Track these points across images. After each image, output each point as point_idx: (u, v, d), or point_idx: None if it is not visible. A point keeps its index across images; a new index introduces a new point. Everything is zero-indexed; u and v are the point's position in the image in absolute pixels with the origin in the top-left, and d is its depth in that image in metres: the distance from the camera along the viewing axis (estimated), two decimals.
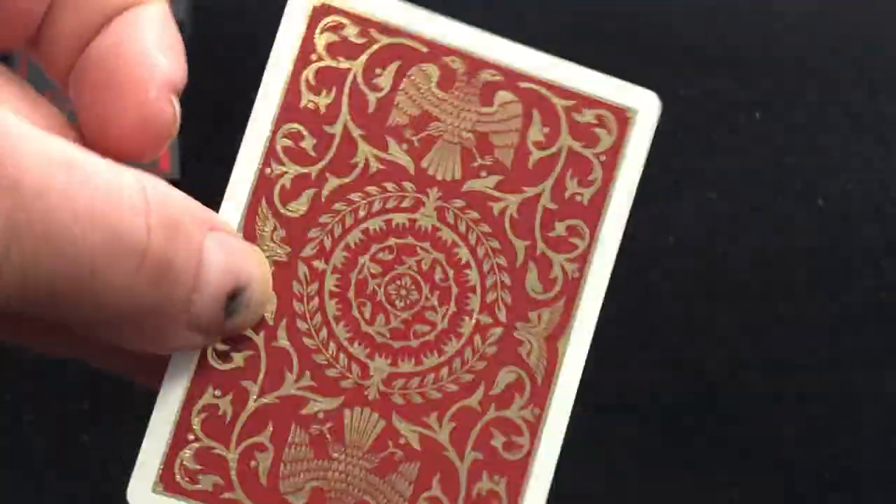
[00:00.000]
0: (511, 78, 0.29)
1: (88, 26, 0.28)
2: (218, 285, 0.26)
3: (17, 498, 0.48)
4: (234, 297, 0.27)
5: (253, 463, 0.28)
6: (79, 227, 0.24)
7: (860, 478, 0.49)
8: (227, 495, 0.27)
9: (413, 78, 0.29)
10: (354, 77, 0.29)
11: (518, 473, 0.28)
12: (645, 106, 0.29)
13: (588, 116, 0.29)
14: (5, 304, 0.24)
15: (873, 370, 0.50)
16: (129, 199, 0.25)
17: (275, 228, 0.28)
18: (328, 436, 0.28)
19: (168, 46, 0.28)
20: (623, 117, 0.29)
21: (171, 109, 0.27)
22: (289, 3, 0.29)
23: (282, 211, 0.28)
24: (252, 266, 0.27)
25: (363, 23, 0.29)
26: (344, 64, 0.29)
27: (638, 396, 0.49)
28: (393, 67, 0.29)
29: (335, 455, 0.28)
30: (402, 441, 0.28)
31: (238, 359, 0.28)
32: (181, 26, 0.48)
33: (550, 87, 0.29)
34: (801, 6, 0.55)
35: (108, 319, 0.26)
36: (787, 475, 0.49)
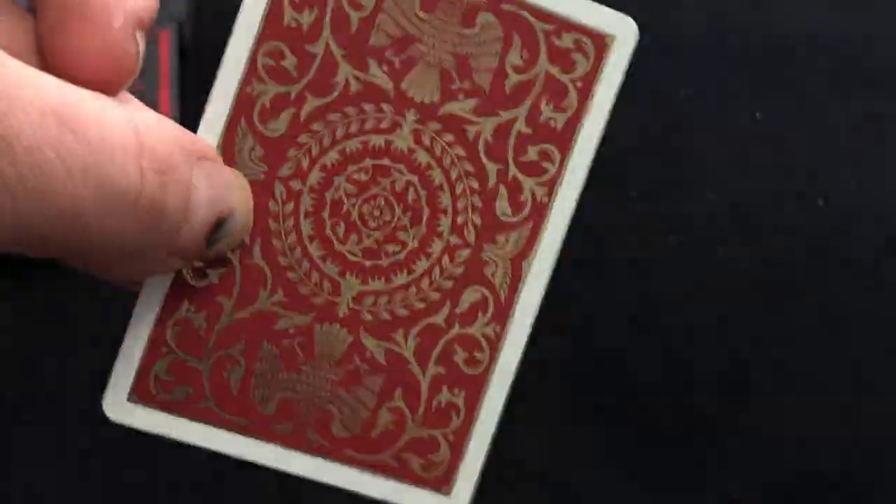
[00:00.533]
0: (494, 0, 0.29)
1: None
2: (204, 218, 0.27)
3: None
4: (217, 226, 0.27)
5: (225, 374, 0.28)
6: (71, 181, 0.25)
7: (860, 477, 0.49)
8: (199, 405, 0.28)
9: None
10: None
11: (476, 387, 0.29)
12: (622, 32, 0.29)
13: (567, 41, 0.29)
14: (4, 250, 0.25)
15: (873, 370, 0.50)
16: (121, 145, 0.25)
17: (253, 147, 0.29)
18: (298, 350, 0.29)
19: None
20: (601, 43, 0.29)
21: (135, 45, 0.27)
22: None
23: (261, 129, 0.29)
24: (235, 195, 0.28)
25: None
26: None
27: (638, 396, 0.49)
28: None
29: (304, 368, 0.29)
30: (368, 355, 0.29)
31: (213, 276, 0.29)
32: (181, 26, 0.48)
33: (532, 10, 0.29)
34: (803, 6, 0.55)
35: (99, 259, 0.26)
36: (787, 475, 0.49)
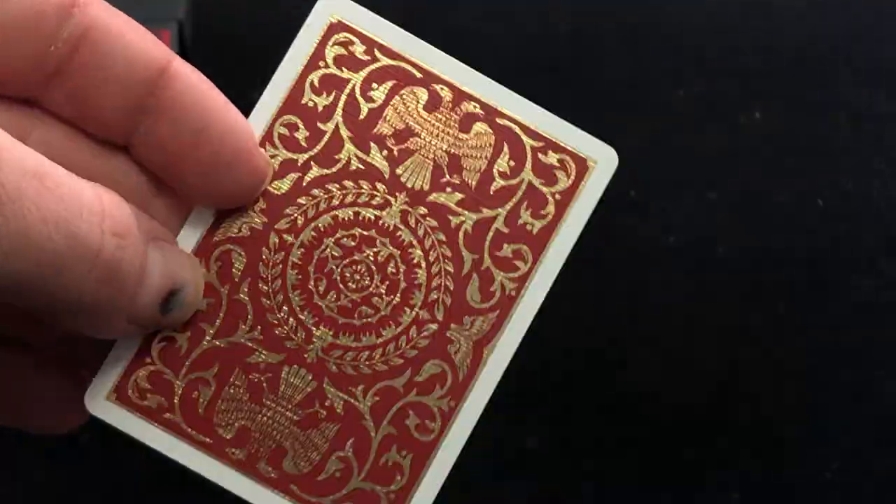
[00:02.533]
0: (490, 113, 0.32)
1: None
2: (157, 287, 0.30)
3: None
4: (170, 297, 0.30)
5: (195, 394, 0.31)
6: (46, 229, 0.28)
7: (860, 477, 0.49)
8: (167, 416, 0.31)
9: (404, 97, 0.32)
10: (353, 87, 0.32)
11: (424, 453, 0.31)
12: (604, 158, 0.32)
13: (552, 159, 0.32)
14: None
15: (873, 370, 0.50)
16: (87, 208, 0.29)
17: (257, 200, 0.32)
18: (265, 384, 0.31)
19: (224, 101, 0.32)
20: (583, 165, 0.32)
21: (266, 159, 0.32)
22: (312, 15, 0.33)
23: (267, 186, 0.32)
24: (187, 272, 0.31)
25: (370, 43, 0.33)
26: (346, 74, 0.32)
27: (638, 396, 0.49)
28: (388, 85, 0.33)
29: (267, 402, 0.31)
30: (327, 403, 0.31)
31: (202, 304, 0.32)
32: (181, 26, 0.48)
33: (524, 127, 0.32)
34: (801, 5, 0.55)
35: (63, 309, 0.29)
36: (786, 475, 0.49)
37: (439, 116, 0.32)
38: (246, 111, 0.32)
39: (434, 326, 0.32)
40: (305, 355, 0.31)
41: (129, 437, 0.31)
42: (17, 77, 0.31)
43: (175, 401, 0.31)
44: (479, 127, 0.32)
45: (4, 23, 0.30)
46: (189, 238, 0.32)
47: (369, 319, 0.32)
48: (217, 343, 0.31)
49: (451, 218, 0.32)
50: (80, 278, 0.28)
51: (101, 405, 0.31)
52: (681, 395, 0.49)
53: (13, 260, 0.27)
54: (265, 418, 0.31)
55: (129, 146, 0.32)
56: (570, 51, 0.56)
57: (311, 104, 0.32)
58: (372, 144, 0.32)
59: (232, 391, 0.31)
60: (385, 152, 0.32)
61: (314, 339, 0.31)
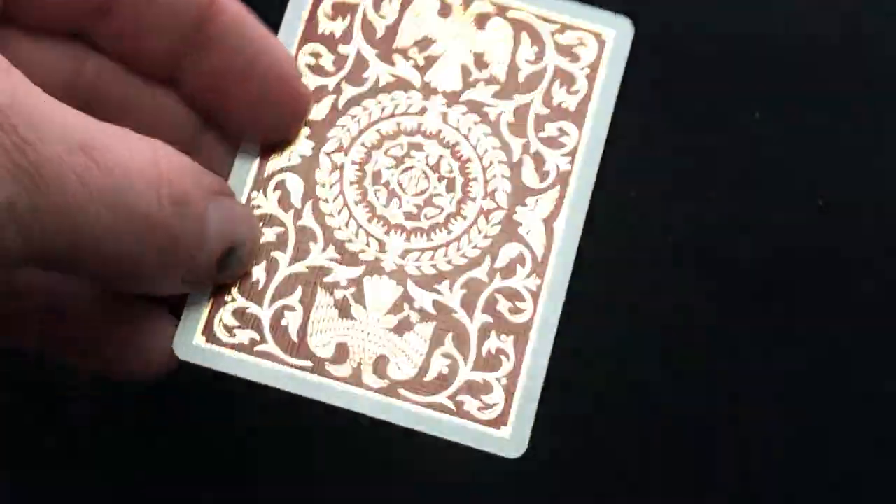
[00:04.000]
0: (500, 9, 0.33)
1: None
2: (215, 248, 0.30)
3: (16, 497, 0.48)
4: (227, 254, 0.30)
5: (283, 321, 0.31)
6: (94, 205, 0.27)
7: (860, 478, 0.49)
8: (261, 347, 0.31)
9: (415, 8, 0.33)
10: (364, 9, 0.33)
11: (523, 333, 0.32)
12: (620, 29, 0.34)
13: (570, 38, 0.33)
14: (27, 266, 0.27)
15: (873, 370, 0.50)
16: (141, 176, 0.28)
17: (300, 128, 0.33)
18: (351, 299, 0.31)
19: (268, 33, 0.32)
20: (600, 39, 0.34)
21: (307, 86, 0.33)
22: None
23: (304, 120, 0.33)
24: (245, 228, 0.31)
25: None
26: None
27: (638, 397, 0.49)
28: (397, 1, 0.34)
29: (357, 316, 0.31)
30: (416, 305, 0.31)
31: (269, 234, 0.32)
32: None
33: (536, 15, 0.33)
34: (801, 5, 0.55)
35: (117, 277, 0.29)
36: (786, 475, 0.49)
37: (454, 20, 0.33)
38: None
39: (501, 213, 0.32)
40: (383, 264, 0.32)
41: (228, 376, 0.31)
42: (70, 10, 0.30)
43: (265, 331, 0.31)
44: (495, 21, 0.33)
45: None
46: (241, 173, 0.32)
47: (436, 219, 0.32)
48: (294, 269, 0.31)
49: (489, 111, 0.33)
50: (137, 248, 0.28)
51: (192, 349, 0.31)
52: (680, 395, 0.49)
53: (61, 239, 0.27)
54: (360, 331, 0.31)
55: (177, 81, 0.32)
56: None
57: (328, 31, 0.33)
58: (396, 57, 0.33)
59: (320, 311, 0.31)
60: (411, 62, 0.33)
61: (388, 248, 0.32)
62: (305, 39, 0.33)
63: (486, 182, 0.32)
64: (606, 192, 0.53)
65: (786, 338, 0.50)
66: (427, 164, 0.32)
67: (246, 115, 0.32)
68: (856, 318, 0.50)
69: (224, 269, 0.31)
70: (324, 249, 0.32)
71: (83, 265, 0.28)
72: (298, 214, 0.32)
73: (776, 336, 0.50)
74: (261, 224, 0.32)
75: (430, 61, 0.33)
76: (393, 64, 0.33)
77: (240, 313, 0.31)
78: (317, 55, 0.33)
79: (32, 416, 0.49)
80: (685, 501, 0.49)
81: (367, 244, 0.32)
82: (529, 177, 0.33)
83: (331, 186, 0.32)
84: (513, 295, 0.32)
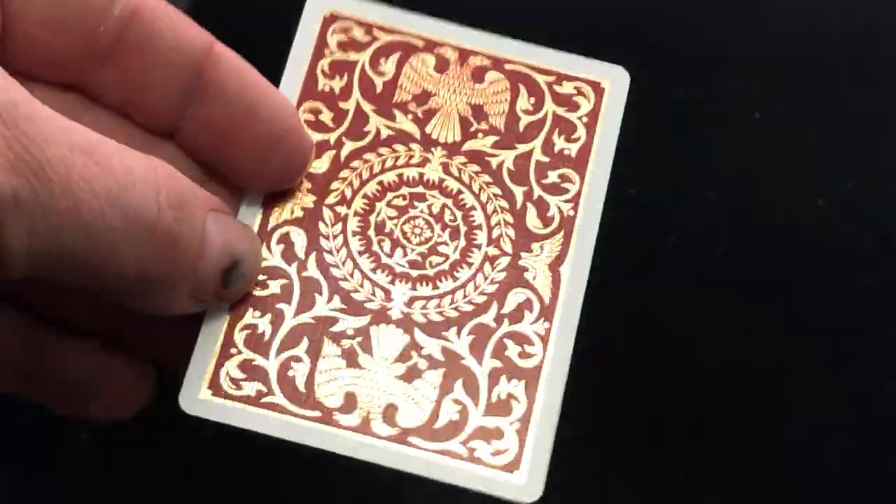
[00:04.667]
0: (497, 62, 0.34)
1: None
2: (217, 259, 0.30)
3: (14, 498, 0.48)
4: (230, 269, 0.30)
5: (290, 372, 0.31)
6: (97, 203, 0.27)
7: (860, 478, 0.49)
8: (268, 399, 0.31)
9: (413, 64, 0.33)
10: (363, 66, 0.33)
11: (533, 378, 0.31)
12: (616, 77, 0.34)
13: (568, 88, 0.34)
14: (31, 272, 0.27)
15: (873, 370, 0.50)
16: (141, 180, 0.28)
17: (302, 182, 0.33)
18: (358, 349, 0.31)
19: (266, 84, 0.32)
20: (598, 88, 0.34)
21: (310, 137, 0.33)
22: (305, 11, 0.34)
23: (307, 169, 0.33)
24: (246, 243, 0.31)
25: (367, 26, 0.34)
26: (353, 56, 0.34)
27: (637, 396, 0.49)
28: (395, 57, 0.34)
29: (365, 364, 0.31)
30: (424, 352, 0.31)
31: (274, 286, 0.32)
32: None
33: (532, 67, 0.34)
34: (801, 6, 0.55)
35: (121, 285, 0.28)
36: (787, 475, 0.49)
37: (451, 74, 0.33)
38: None
39: (506, 259, 0.32)
40: (389, 312, 0.32)
41: (234, 429, 0.31)
42: (69, 58, 0.30)
43: (272, 383, 0.31)
44: (492, 75, 0.34)
45: (57, 1, 0.30)
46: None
47: (442, 267, 0.32)
48: (299, 320, 0.31)
49: (490, 160, 0.33)
50: (138, 253, 0.28)
51: (198, 403, 0.31)
52: (680, 395, 0.49)
53: (65, 237, 0.27)
54: (368, 380, 0.31)
55: (177, 132, 0.32)
56: (570, 50, 0.56)
57: (327, 89, 0.33)
58: (395, 111, 0.33)
59: (327, 361, 0.31)
60: (410, 116, 0.33)
61: (393, 296, 0.32)
62: (305, 97, 0.33)
63: (490, 229, 0.32)
64: (607, 192, 0.53)
65: (786, 337, 0.50)
66: (430, 213, 0.33)
67: (248, 165, 0.32)
68: (856, 317, 0.50)
69: (228, 283, 0.31)
70: (329, 300, 0.32)
71: (89, 271, 0.28)
72: (303, 266, 0.32)
73: (776, 335, 0.50)
74: (265, 278, 0.32)
75: (430, 114, 0.33)
76: (393, 118, 0.33)
77: (246, 365, 0.31)
78: (316, 111, 0.33)
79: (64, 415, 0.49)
80: (686, 500, 0.49)
81: (373, 293, 0.32)
82: (533, 223, 0.33)
83: (334, 238, 0.32)
84: (522, 339, 0.32)
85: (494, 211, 0.33)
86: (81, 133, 0.27)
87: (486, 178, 0.33)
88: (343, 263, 0.32)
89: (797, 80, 0.54)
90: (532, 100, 0.33)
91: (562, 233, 0.33)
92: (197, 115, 0.31)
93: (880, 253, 0.51)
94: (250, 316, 0.32)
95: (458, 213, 0.33)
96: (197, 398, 0.31)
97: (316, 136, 0.33)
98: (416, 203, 0.33)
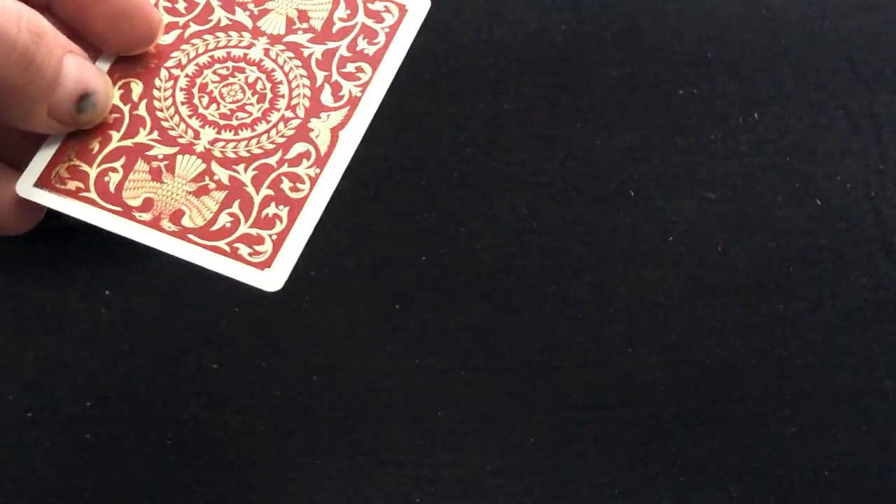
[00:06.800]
0: None
1: None
2: (72, 86, 0.37)
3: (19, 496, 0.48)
4: (83, 98, 0.37)
5: (106, 178, 0.38)
6: None
7: (860, 477, 0.49)
8: (84, 194, 0.38)
9: None
10: None
11: (297, 206, 0.38)
12: (418, 3, 0.41)
13: (379, 6, 0.41)
14: None
15: (873, 370, 0.50)
16: (7, 9, 0.34)
17: (150, 51, 0.40)
18: (163, 169, 0.39)
19: None
20: (403, 9, 0.41)
21: (160, 15, 0.40)
22: None
23: (156, 41, 0.40)
24: (98, 79, 0.38)
25: None
26: None
27: (637, 396, 0.49)
28: None
29: (166, 181, 0.39)
30: (216, 178, 0.39)
31: (109, 118, 0.39)
32: None
33: None
34: (801, 6, 0.55)
35: None
36: (786, 475, 0.49)
37: None
38: None
39: (297, 121, 0.39)
40: (195, 147, 0.39)
41: (57, 213, 0.38)
42: None
43: (90, 183, 0.38)
44: None
45: None
46: None
47: (244, 120, 0.39)
48: (122, 143, 0.39)
49: (303, 50, 0.41)
50: (1, 62, 0.34)
51: (30, 190, 0.38)
52: (680, 395, 0.49)
53: None
54: (165, 191, 0.39)
55: (51, 4, 0.38)
56: (571, 51, 0.56)
57: None
58: (237, 7, 0.41)
59: (137, 175, 0.38)
60: (248, 13, 0.41)
61: (201, 137, 0.39)
62: None
63: (291, 99, 0.40)
64: (606, 192, 0.53)
65: (786, 337, 0.50)
66: (246, 83, 0.40)
67: (102, 32, 0.38)
68: (855, 317, 0.50)
69: (82, 110, 0.37)
70: (150, 133, 0.39)
71: None
72: (135, 107, 0.39)
73: (776, 335, 0.50)
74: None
75: (264, 13, 0.41)
76: (233, 12, 0.41)
77: (73, 169, 0.38)
78: (174, 1, 0.41)
79: (74, 411, 0.49)
80: (686, 499, 0.49)
81: (185, 132, 0.39)
82: (327, 99, 0.40)
83: (165, 90, 0.40)
84: (295, 178, 0.39)
85: (297, 87, 0.40)
86: None
87: (297, 62, 0.40)
88: (167, 109, 0.39)
89: (797, 80, 0.54)
90: (348, 11, 0.41)
91: (348, 108, 0.40)
92: None
93: (880, 253, 0.51)
94: (84, 135, 0.39)
95: (268, 85, 0.40)
96: (30, 186, 0.38)
97: (168, 18, 0.41)
98: (236, 74, 0.40)
